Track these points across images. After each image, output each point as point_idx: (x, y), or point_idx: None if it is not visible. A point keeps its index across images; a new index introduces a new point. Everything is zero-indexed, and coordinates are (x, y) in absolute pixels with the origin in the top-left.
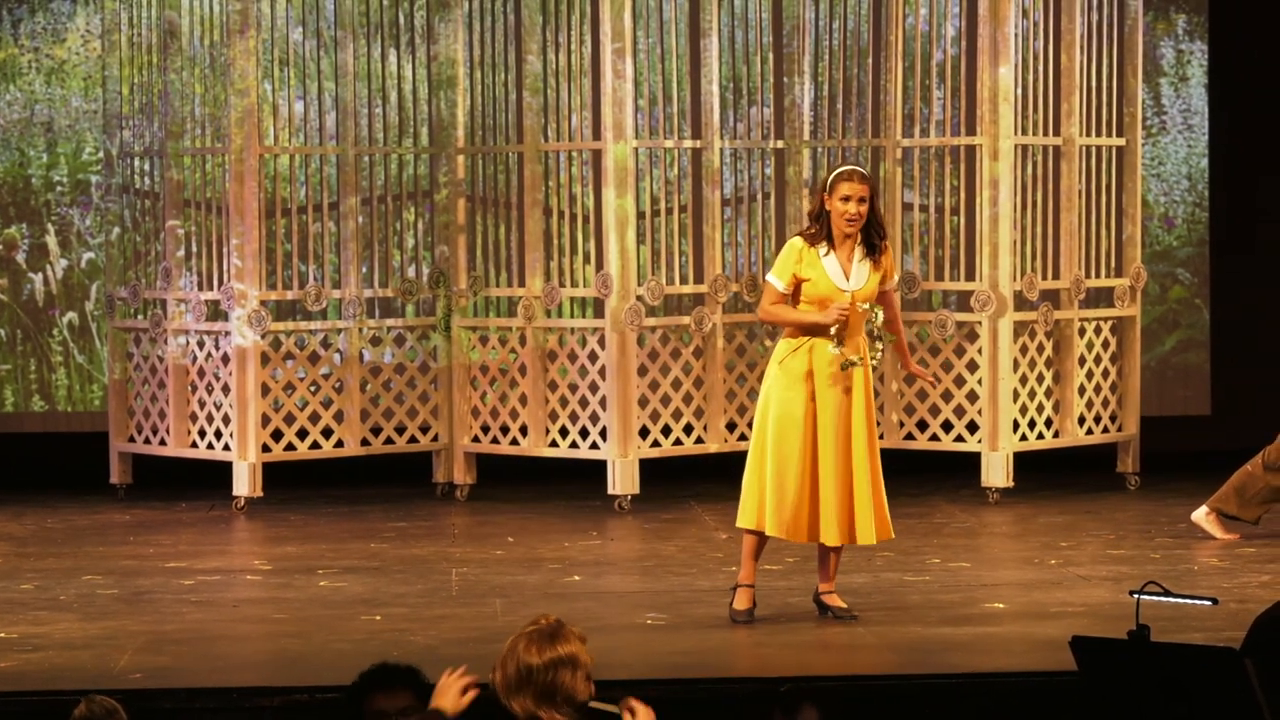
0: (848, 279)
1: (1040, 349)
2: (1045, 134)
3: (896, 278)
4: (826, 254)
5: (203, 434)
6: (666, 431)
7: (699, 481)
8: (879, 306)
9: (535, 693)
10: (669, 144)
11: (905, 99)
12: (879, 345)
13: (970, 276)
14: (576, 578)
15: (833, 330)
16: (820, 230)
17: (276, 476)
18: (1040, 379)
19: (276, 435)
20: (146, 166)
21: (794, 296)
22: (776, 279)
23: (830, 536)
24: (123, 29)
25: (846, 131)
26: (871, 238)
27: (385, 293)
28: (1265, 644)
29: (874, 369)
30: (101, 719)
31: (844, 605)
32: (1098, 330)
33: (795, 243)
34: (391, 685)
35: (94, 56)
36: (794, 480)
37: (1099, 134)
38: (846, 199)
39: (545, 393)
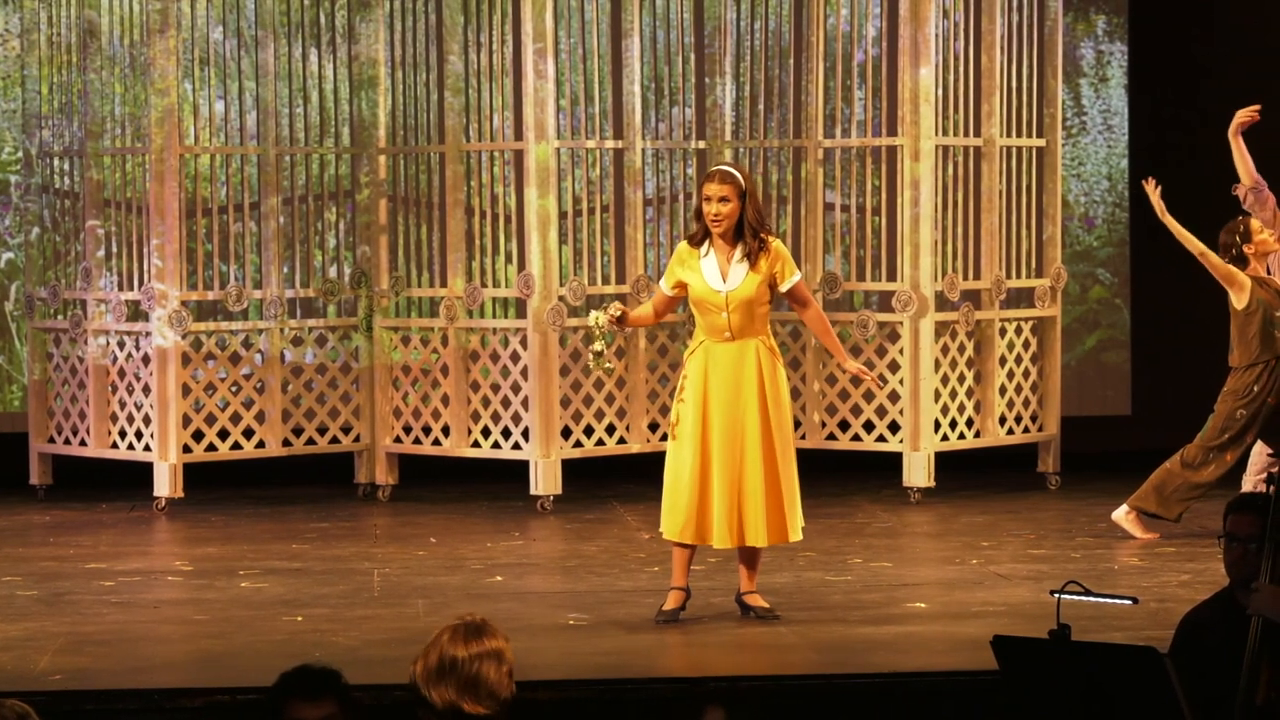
0: (724, 280)
1: (961, 349)
2: (966, 135)
3: (795, 278)
4: (706, 255)
5: (123, 435)
6: (589, 432)
7: (621, 482)
8: (602, 312)
9: (458, 683)
10: (591, 144)
11: (827, 99)
12: (596, 350)
13: (891, 277)
14: (499, 578)
15: (596, 332)
16: (701, 231)
17: (198, 477)
18: (961, 379)
19: (198, 436)
20: (66, 166)
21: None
22: (662, 282)
23: (720, 538)
24: (42, 28)
25: (768, 132)
26: (747, 239)
27: (307, 293)
28: (1190, 644)
29: (608, 371)
30: None
31: (765, 605)
32: (1018, 330)
33: (680, 245)
34: (312, 692)
35: (13, 55)
36: (686, 482)
37: (1019, 135)
38: (709, 199)
39: (467, 393)
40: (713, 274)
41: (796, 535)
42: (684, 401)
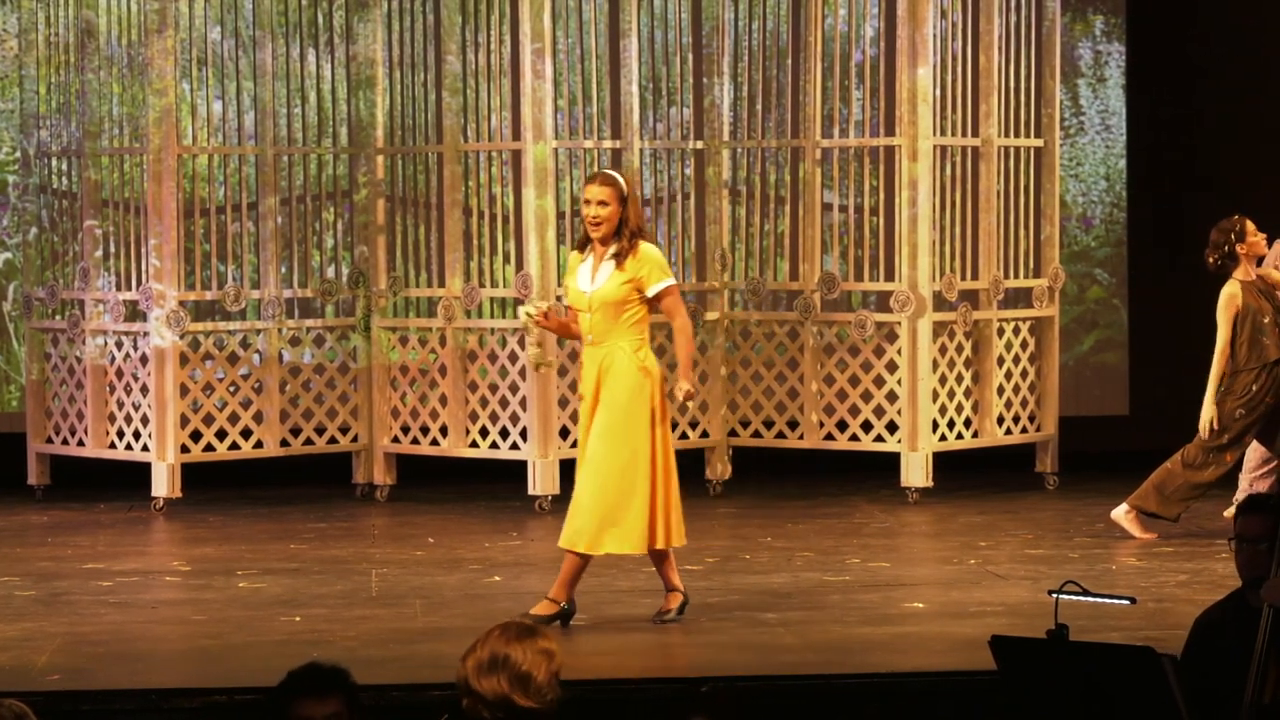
0: (592, 282)
1: (959, 349)
2: (964, 135)
3: (662, 284)
4: (586, 259)
5: (121, 435)
6: None
7: None
8: (531, 307)
9: (510, 677)
10: (589, 144)
11: (824, 100)
12: (532, 349)
13: (889, 277)
14: (497, 578)
15: (527, 333)
16: (586, 236)
17: (195, 477)
18: (959, 379)
19: (195, 436)
20: (64, 166)
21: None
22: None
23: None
24: (40, 28)
25: (766, 132)
26: (622, 241)
27: (304, 293)
28: (1202, 645)
29: (549, 365)
30: None
31: (665, 609)
32: (1016, 330)
33: (571, 253)
34: (320, 690)
35: (11, 56)
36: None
37: (1017, 135)
38: (588, 201)
39: (465, 393)
40: (584, 276)
41: (626, 548)
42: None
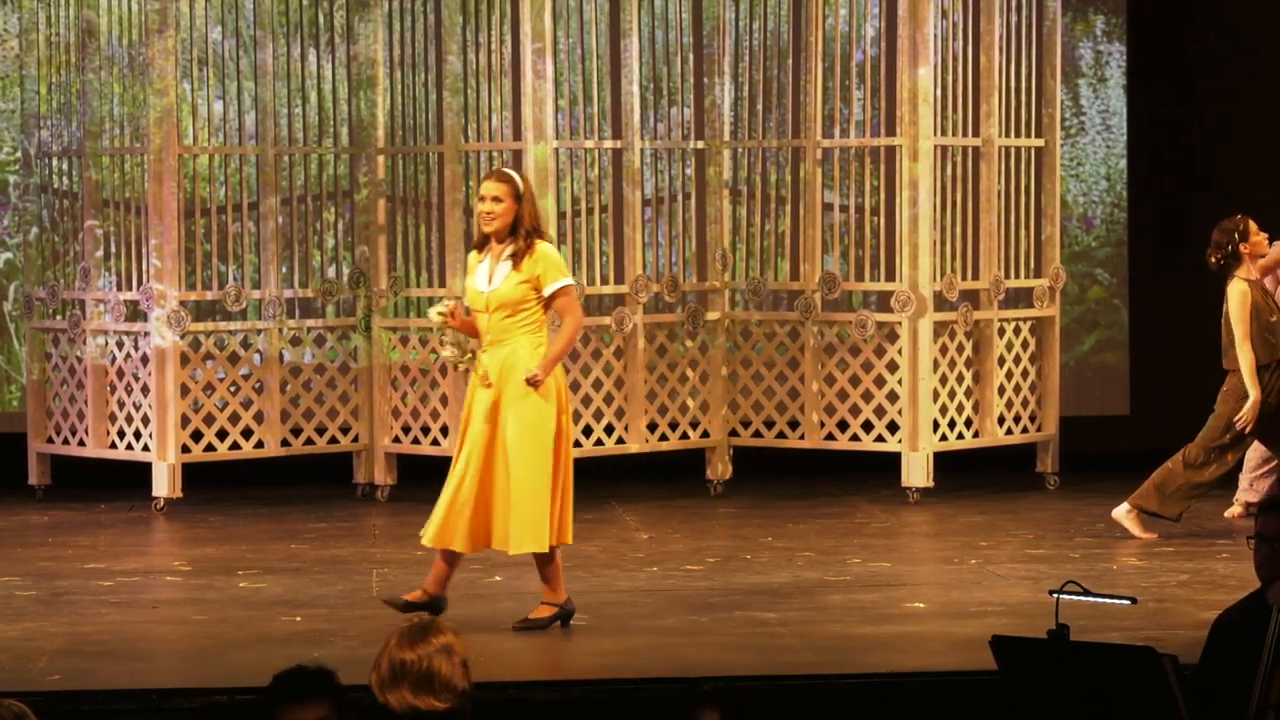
0: (489, 281)
1: (960, 349)
2: (964, 135)
3: (559, 284)
4: (483, 260)
5: (122, 435)
6: (588, 432)
7: (620, 482)
8: (442, 306)
9: (412, 684)
10: (589, 144)
11: (825, 100)
12: (447, 352)
13: (890, 277)
14: (498, 578)
15: (439, 334)
16: (483, 235)
17: (196, 477)
18: (960, 379)
19: (196, 436)
20: (65, 166)
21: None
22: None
23: (459, 542)
24: (40, 28)
25: (766, 132)
26: (518, 240)
27: (305, 293)
28: (1221, 644)
29: (466, 361)
30: None
31: (532, 617)
32: (1017, 330)
33: (470, 253)
34: (305, 695)
35: (11, 56)
36: (455, 486)
37: (1018, 135)
38: (482, 198)
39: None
40: (482, 276)
41: (534, 546)
42: (465, 409)
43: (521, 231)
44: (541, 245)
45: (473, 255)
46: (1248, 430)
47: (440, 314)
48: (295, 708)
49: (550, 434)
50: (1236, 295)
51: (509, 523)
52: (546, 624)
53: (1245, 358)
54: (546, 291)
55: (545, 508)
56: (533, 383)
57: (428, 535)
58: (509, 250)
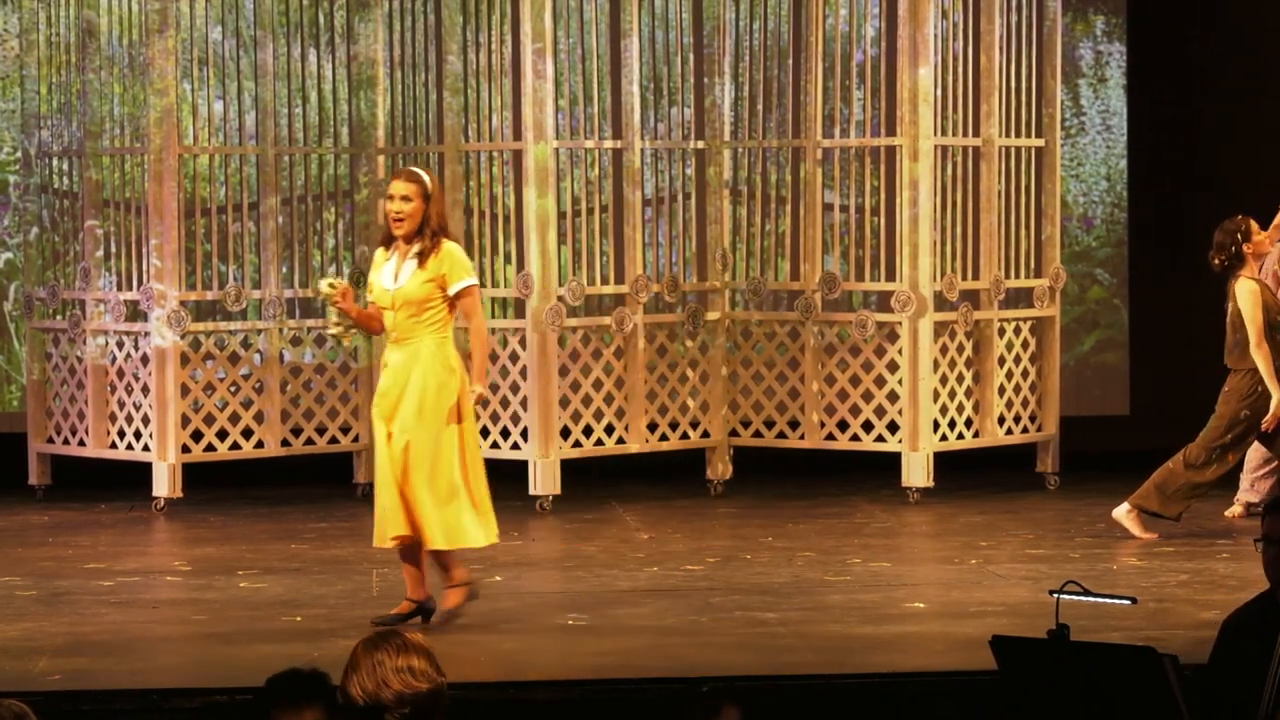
0: (395, 280)
1: (960, 349)
2: (965, 135)
3: (463, 283)
4: (390, 257)
5: (122, 435)
6: (588, 432)
7: (620, 482)
8: (334, 280)
9: (399, 678)
10: (590, 144)
11: (825, 100)
12: (333, 328)
13: (890, 277)
14: (498, 578)
15: (325, 291)
16: (389, 233)
17: (196, 477)
18: (960, 379)
19: (196, 436)
20: (65, 166)
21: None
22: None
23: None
24: (41, 28)
25: (767, 132)
26: (425, 239)
27: (305, 293)
28: (1230, 645)
29: (339, 337)
30: None
31: (446, 606)
32: (1017, 330)
33: (378, 250)
34: (299, 698)
35: (12, 56)
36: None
37: (1018, 135)
38: (391, 197)
39: None
40: (388, 274)
41: (447, 543)
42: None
43: (428, 231)
44: (448, 245)
45: (379, 252)
46: (1270, 430)
47: (332, 286)
48: (289, 711)
49: (453, 437)
50: (1247, 294)
51: (434, 520)
52: (464, 603)
53: (1263, 359)
54: (451, 291)
55: (465, 499)
56: (481, 399)
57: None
58: (415, 249)
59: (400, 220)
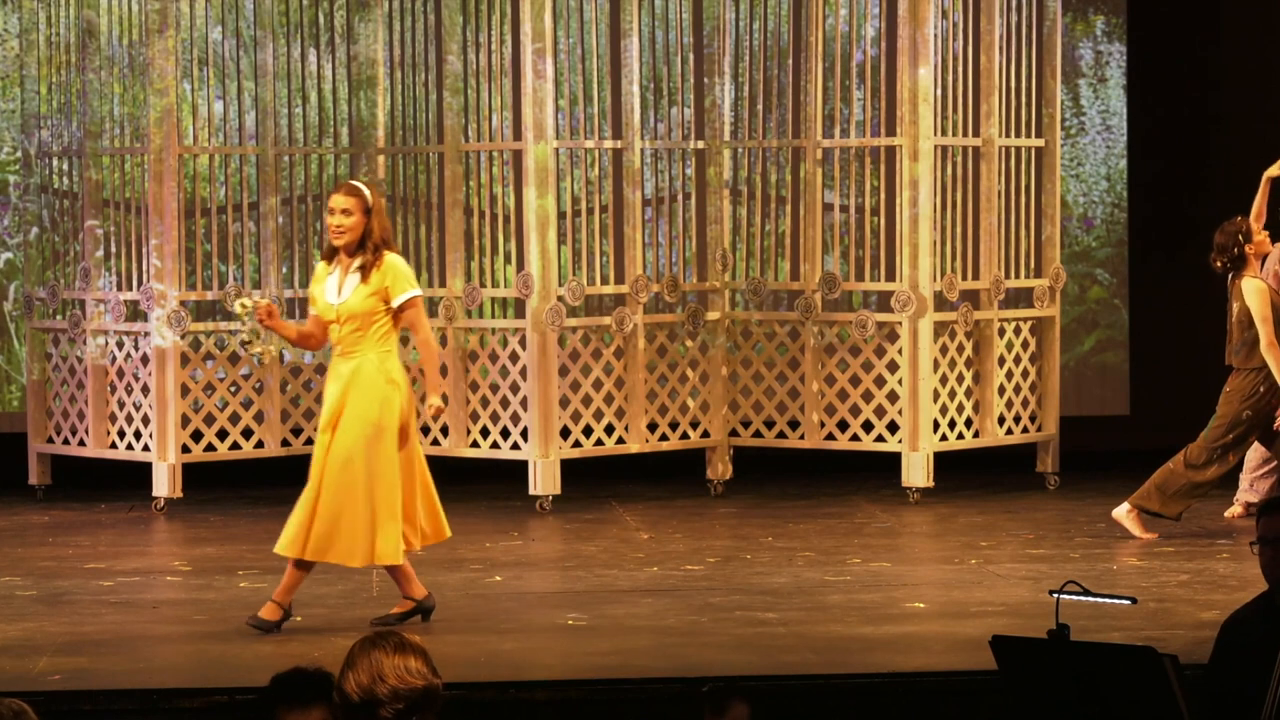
0: (339, 294)
1: (960, 349)
2: (965, 135)
3: (406, 295)
4: (333, 270)
5: (122, 435)
6: (588, 432)
7: (620, 482)
8: (253, 303)
9: (370, 676)
10: (590, 144)
11: (825, 100)
12: (244, 341)
13: (890, 277)
14: (498, 578)
15: (246, 319)
16: (332, 246)
17: (196, 477)
18: (960, 379)
19: (196, 436)
20: (65, 166)
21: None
22: (310, 306)
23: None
24: (41, 28)
25: (767, 132)
26: (366, 252)
27: (306, 293)
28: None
29: (258, 354)
30: None
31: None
32: (1017, 330)
33: (318, 263)
34: (304, 699)
35: (11, 56)
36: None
37: (1018, 135)
38: (331, 211)
39: (466, 393)
40: (331, 288)
41: (365, 560)
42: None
43: (370, 244)
44: (390, 257)
45: (321, 265)
46: (1229, 436)
47: (244, 306)
48: (293, 711)
49: (394, 442)
50: (1256, 293)
51: (360, 536)
52: (401, 619)
53: (1275, 358)
54: (395, 303)
55: (398, 515)
56: (439, 411)
57: (287, 547)
58: (357, 263)
59: (340, 233)
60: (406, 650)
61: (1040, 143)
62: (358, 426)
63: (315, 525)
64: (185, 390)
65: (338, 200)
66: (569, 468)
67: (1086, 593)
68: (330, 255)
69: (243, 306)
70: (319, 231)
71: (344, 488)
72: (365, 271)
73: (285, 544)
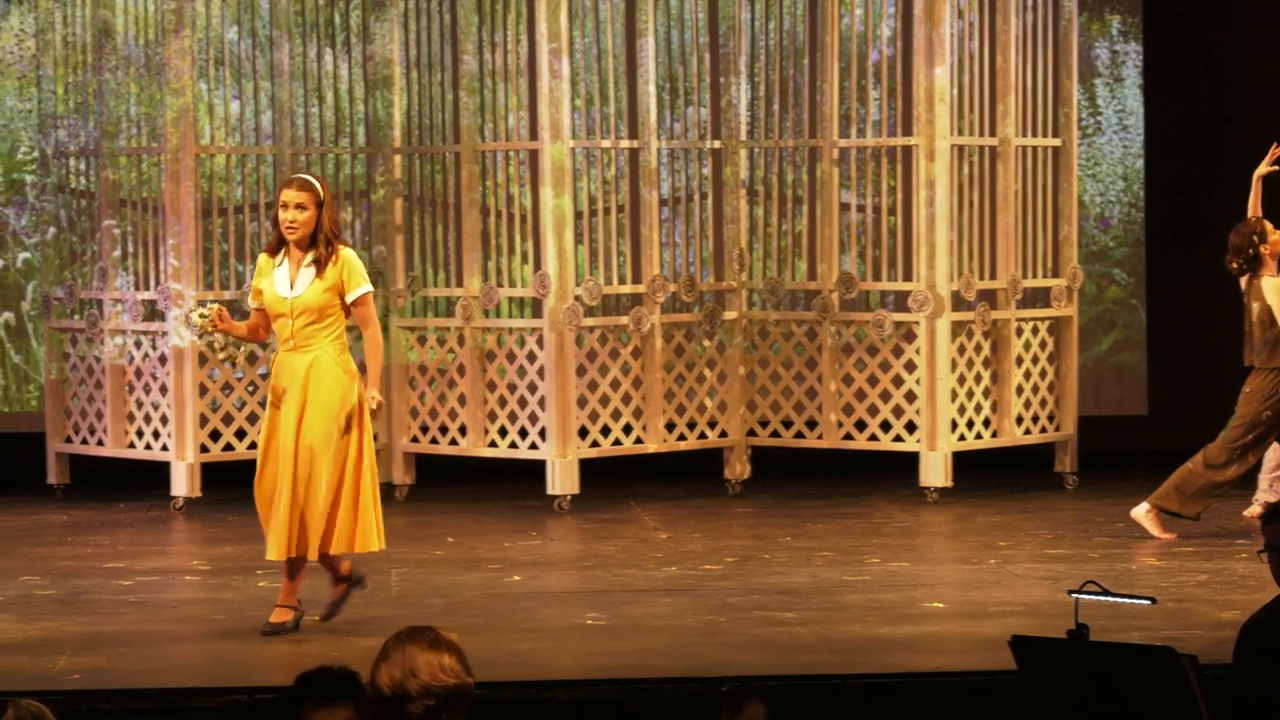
0: (291, 287)
1: (978, 349)
2: (981, 135)
3: (360, 290)
4: (281, 264)
5: (140, 434)
6: (605, 431)
7: (638, 481)
8: (206, 312)
9: (402, 671)
10: (606, 144)
11: (842, 99)
12: (209, 344)
13: (907, 277)
14: (516, 578)
15: (205, 327)
16: (278, 239)
17: (214, 477)
18: (978, 379)
19: (214, 435)
20: (82, 166)
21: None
22: (249, 299)
23: (302, 549)
24: (57, 28)
25: (783, 132)
26: (319, 247)
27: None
28: (1247, 651)
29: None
30: None
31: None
32: (1035, 330)
33: (261, 256)
34: (331, 697)
35: (28, 55)
36: (271, 497)
37: (1035, 134)
38: (285, 206)
39: (484, 393)
40: (283, 281)
41: (349, 548)
42: (264, 415)
43: (322, 238)
44: (345, 251)
45: (263, 259)
46: (1248, 436)
47: (204, 316)
48: (320, 710)
49: (358, 442)
50: (1276, 292)
51: (339, 526)
52: (347, 595)
53: None
54: (350, 298)
55: (370, 506)
56: (380, 405)
57: (279, 551)
58: (311, 257)
59: (294, 228)
60: (441, 647)
61: (1057, 142)
62: (328, 421)
63: (299, 523)
64: (203, 390)
65: (290, 195)
66: (587, 467)
67: (1105, 593)
68: (275, 249)
69: (202, 317)
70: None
71: (321, 481)
72: (320, 265)
73: (275, 549)
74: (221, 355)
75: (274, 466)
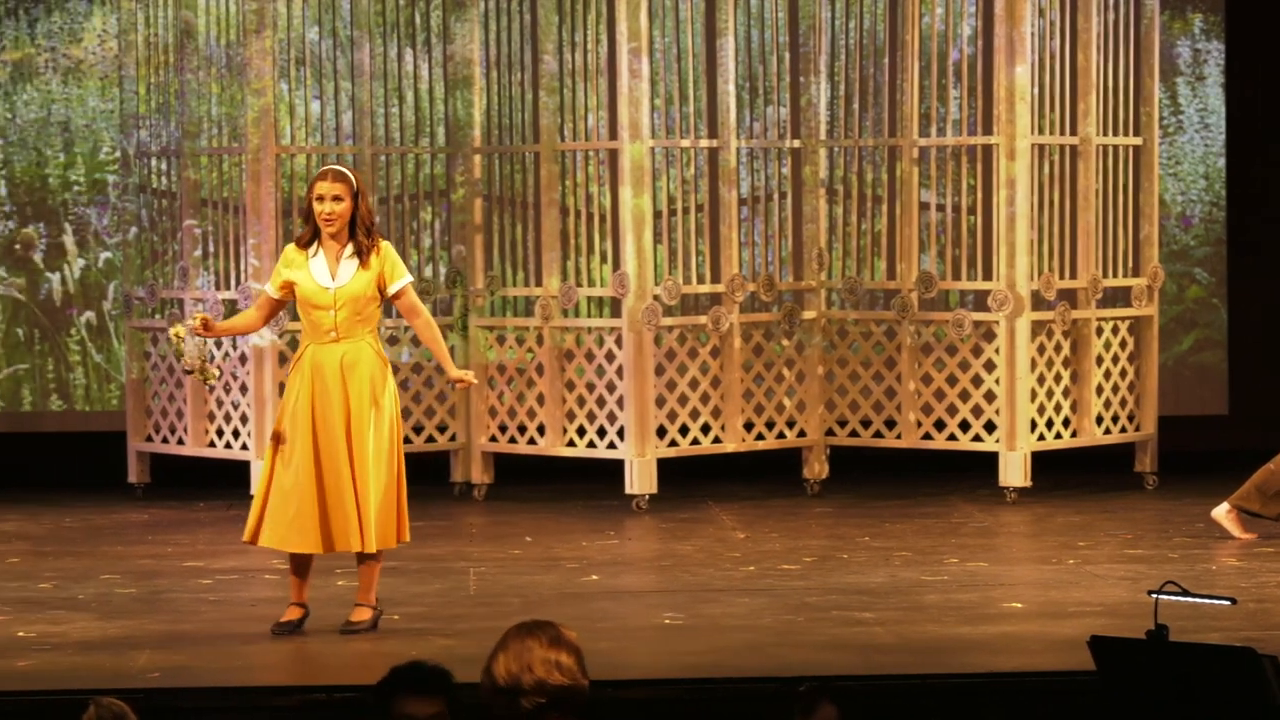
0: (333, 278)
1: (1058, 348)
2: (1062, 133)
3: (403, 281)
4: (315, 255)
5: (220, 433)
6: (684, 431)
7: (716, 481)
8: (183, 325)
9: (544, 668)
10: (685, 143)
11: (921, 98)
12: (186, 369)
13: (987, 276)
14: (594, 577)
15: (180, 346)
16: (311, 231)
17: None
18: (1058, 379)
19: None
20: (163, 166)
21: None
22: (267, 285)
23: (341, 543)
24: (139, 29)
25: (863, 131)
26: (359, 237)
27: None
28: None
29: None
30: None
31: (355, 620)
32: (1115, 330)
33: (287, 248)
34: (425, 689)
35: (110, 56)
36: (293, 486)
37: (1116, 133)
38: (321, 198)
39: (563, 392)
40: (321, 272)
41: (405, 538)
42: (289, 408)
43: (361, 228)
44: (384, 244)
45: (293, 251)
46: None
47: (180, 334)
48: (413, 700)
49: (398, 434)
50: None
51: (373, 522)
52: (371, 625)
53: None
54: (392, 289)
55: (405, 500)
56: (471, 382)
57: (264, 537)
58: (352, 248)
59: (332, 220)
60: (560, 645)
61: (1138, 141)
62: (379, 411)
63: (370, 515)
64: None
65: (327, 187)
66: (665, 467)
67: (1185, 593)
68: (307, 241)
69: (176, 336)
70: (415, 231)
71: (385, 474)
72: (364, 256)
73: (349, 540)
74: (201, 377)
75: (304, 457)
